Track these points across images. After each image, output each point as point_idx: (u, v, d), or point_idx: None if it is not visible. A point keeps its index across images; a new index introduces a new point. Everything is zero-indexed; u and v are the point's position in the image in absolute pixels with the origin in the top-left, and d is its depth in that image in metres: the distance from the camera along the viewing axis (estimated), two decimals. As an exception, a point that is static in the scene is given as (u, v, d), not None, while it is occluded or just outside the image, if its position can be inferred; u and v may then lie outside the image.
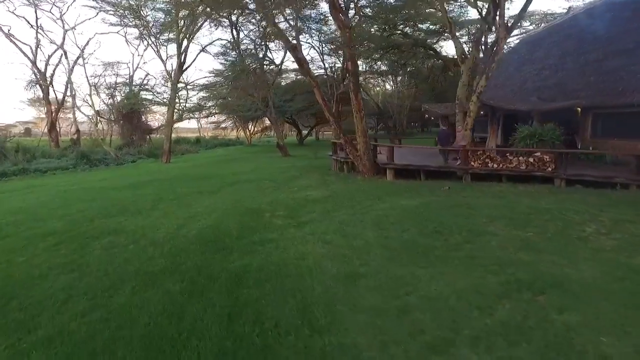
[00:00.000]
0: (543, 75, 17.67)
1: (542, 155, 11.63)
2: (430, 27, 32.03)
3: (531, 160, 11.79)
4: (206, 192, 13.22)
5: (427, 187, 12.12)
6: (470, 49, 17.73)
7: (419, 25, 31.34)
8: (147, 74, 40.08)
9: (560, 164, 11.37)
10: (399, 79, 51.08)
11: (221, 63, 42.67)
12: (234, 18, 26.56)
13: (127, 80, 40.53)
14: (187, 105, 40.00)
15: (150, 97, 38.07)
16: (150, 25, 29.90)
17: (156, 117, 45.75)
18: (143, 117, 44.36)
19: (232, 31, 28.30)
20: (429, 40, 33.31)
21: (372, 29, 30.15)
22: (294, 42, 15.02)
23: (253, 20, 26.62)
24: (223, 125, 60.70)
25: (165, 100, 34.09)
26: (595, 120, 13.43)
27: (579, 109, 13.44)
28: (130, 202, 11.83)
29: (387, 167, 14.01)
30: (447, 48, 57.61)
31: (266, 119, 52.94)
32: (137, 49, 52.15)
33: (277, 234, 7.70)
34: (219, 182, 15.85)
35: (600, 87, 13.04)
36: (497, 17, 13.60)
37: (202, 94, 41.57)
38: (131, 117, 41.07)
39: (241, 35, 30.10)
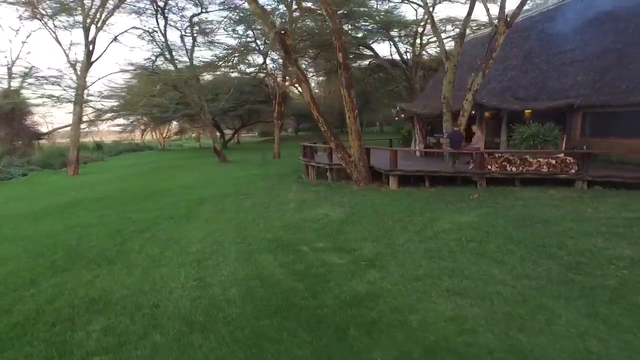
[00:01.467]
0: (509, 75, 17.67)
1: (564, 157, 10.95)
2: (370, 26, 31.46)
3: (553, 162, 11.05)
4: (178, 216, 9.99)
5: (449, 195, 10.64)
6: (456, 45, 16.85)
7: (361, 23, 30.50)
8: (32, 67, 31.93)
9: (583, 165, 10.80)
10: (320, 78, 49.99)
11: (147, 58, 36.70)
12: (161, 3, 22.44)
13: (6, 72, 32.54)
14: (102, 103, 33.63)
15: (47, 92, 30.68)
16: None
17: (49, 119, 37.60)
18: (28, 118, 36.40)
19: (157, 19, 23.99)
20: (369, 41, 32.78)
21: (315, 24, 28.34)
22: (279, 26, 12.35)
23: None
24: (130, 128, 53.24)
25: (65, 96, 27.80)
26: (585, 120, 13.45)
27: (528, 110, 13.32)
28: (73, 241, 8.17)
29: (390, 173, 12.23)
30: (382, 49, 58.52)
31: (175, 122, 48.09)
32: (17, 32, 42.37)
33: (364, 283, 5.31)
34: (179, 199, 12.49)
35: (593, 87, 13.06)
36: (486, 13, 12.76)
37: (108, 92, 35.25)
38: (11, 118, 33.26)
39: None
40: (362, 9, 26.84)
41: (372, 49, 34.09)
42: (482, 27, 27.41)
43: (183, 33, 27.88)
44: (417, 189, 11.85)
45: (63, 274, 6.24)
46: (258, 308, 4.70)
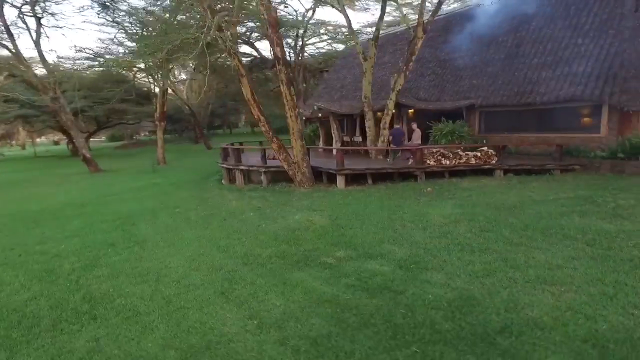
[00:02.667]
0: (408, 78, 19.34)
1: (487, 150, 12.47)
2: (253, 24, 30.49)
3: (478, 154, 12.47)
4: (119, 242, 7.74)
5: (403, 190, 11.00)
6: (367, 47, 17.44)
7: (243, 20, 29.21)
8: None
9: (500, 156, 12.48)
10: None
11: None
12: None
13: None
14: None
15: None
16: None
17: None
18: None
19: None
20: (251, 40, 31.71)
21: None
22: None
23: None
24: None
25: None
26: (482, 117, 15.63)
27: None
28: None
29: (338, 173, 11.98)
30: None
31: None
32: None
33: (444, 287, 4.90)
34: (92, 220, 9.81)
35: (488, 90, 15.24)
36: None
37: None
38: None
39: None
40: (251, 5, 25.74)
41: (254, 47, 33.20)
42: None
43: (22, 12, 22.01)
44: (366, 187, 11.88)
45: None
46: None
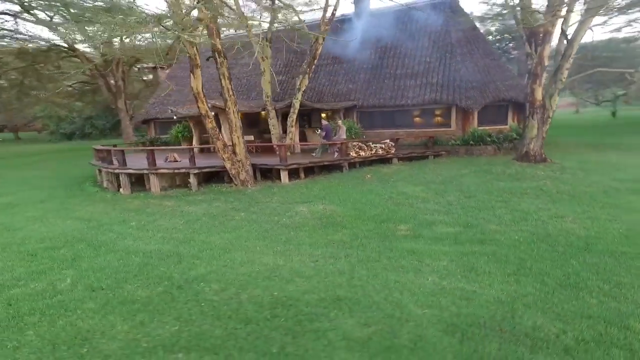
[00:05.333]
0: (283, 79, 20.61)
1: (389, 142, 15.21)
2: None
3: (383, 146, 15.07)
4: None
5: (347, 179, 12.43)
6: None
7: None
8: None
9: (397, 147, 15.45)
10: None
11: None
12: None
13: None
14: None
15: None
16: None
17: None
18: None
19: None
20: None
21: None
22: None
23: None
24: None
25: None
26: (359, 116, 18.46)
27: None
28: None
29: (282, 168, 12.35)
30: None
31: None
32: None
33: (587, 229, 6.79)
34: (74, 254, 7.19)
35: (365, 93, 18.09)
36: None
37: None
38: None
39: None
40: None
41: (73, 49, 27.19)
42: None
43: None
44: (310, 180, 12.69)
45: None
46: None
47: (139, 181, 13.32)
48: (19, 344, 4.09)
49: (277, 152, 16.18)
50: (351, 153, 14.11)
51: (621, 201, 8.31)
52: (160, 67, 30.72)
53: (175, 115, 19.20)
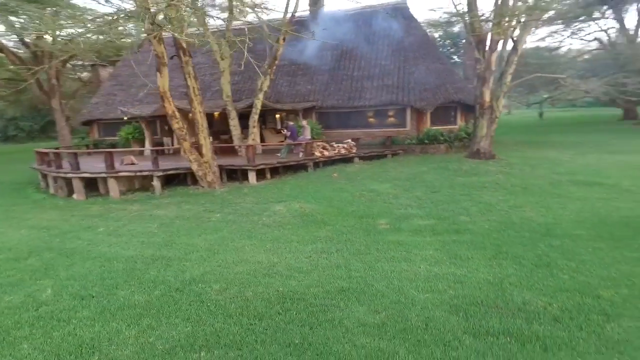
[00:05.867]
0: (237, 80, 20.37)
1: (351, 142, 15.66)
2: None
3: (346, 146, 15.49)
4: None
5: (315, 178, 12.67)
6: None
7: None
8: None
9: (358, 147, 15.96)
10: None
11: None
12: None
13: None
14: None
15: None
16: None
17: None
18: None
19: None
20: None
21: None
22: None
23: None
24: None
25: None
26: (318, 116, 18.75)
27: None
28: None
29: (250, 169, 12.29)
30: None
31: None
32: None
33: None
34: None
35: (323, 94, 18.39)
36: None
37: None
38: None
39: None
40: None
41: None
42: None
43: None
44: (278, 180, 12.74)
45: None
46: None
47: (90, 186, 12.52)
48: (15, 359, 3.80)
49: (240, 153, 16.07)
50: (315, 153, 14.35)
51: (565, 191, 9.36)
52: (102, 65, 28.86)
53: (126, 116, 18.27)
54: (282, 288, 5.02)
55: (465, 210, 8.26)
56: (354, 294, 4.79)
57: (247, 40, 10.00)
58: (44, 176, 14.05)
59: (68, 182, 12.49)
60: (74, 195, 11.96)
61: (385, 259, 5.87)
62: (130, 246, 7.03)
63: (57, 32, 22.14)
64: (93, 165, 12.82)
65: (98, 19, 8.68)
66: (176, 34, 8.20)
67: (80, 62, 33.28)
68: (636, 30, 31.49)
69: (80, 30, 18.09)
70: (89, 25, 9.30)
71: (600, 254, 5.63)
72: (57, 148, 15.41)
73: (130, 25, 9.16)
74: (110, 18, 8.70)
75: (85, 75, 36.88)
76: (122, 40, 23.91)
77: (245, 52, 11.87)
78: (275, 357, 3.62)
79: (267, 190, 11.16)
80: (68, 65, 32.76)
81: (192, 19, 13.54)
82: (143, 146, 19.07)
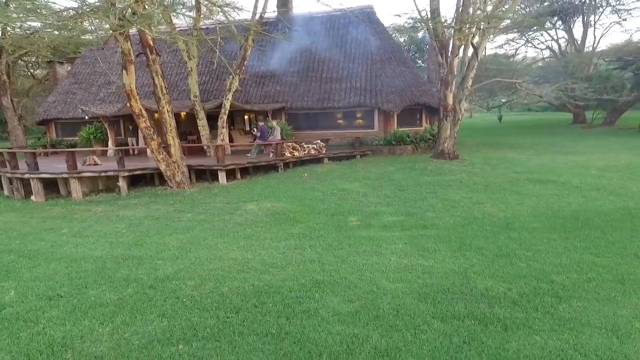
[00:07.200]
0: (204, 80, 20.13)
1: (320, 143, 15.86)
2: None
3: (316, 146, 15.68)
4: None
5: (284, 178, 12.76)
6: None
7: None
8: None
9: (327, 148, 16.19)
10: None
11: None
12: None
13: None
14: None
15: None
16: None
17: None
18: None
19: None
20: None
21: None
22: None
23: None
24: None
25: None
26: (287, 117, 18.84)
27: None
28: None
29: (220, 169, 12.21)
30: None
31: None
32: None
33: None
34: None
35: (293, 95, 18.48)
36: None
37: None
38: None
39: None
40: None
41: None
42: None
43: None
44: (248, 180, 12.72)
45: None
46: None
47: (49, 187, 12.00)
48: (-19, 361, 3.67)
49: (208, 154, 15.89)
50: (286, 153, 14.44)
51: (522, 189, 9.96)
52: (59, 62, 27.53)
53: (88, 115, 17.61)
54: (257, 282, 5.10)
55: (431, 207, 8.64)
56: (328, 285, 4.94)
57: (219, 39, 9.97)
58: (-2, 177, 13.30)
59: (25, 183, 11.92)
60: (32, 197, 11.40)
61: (356, 252, 6.07)
62: (97, 246, 6.84)
63: (10, 25, 20.91)
64: (53, 166, 12.28)
65: (64, 13, 8.34)
66: (147, 31, 8.04)
67: (34, 59, 31.61)
68: (583, 41, 33.88)
69: (36, 24, 17.27)
70: (49, 20, 8.91)
71: (554, 244, 6.10)
72: (10, 148, 14.58)
73: (96, 20, 8.89)
74: (74, 12, 8.40)
75: (39, 72, 35.07)
76: (84, 37, 22.93)
77: (218, 51, 11.85)
78: (253, 346, 3.71)
79: (238, 190, 11.14)
80: (20, 61, 31.05)
81: (159, 16, 13.25)
82: (105, 146, 18.42)
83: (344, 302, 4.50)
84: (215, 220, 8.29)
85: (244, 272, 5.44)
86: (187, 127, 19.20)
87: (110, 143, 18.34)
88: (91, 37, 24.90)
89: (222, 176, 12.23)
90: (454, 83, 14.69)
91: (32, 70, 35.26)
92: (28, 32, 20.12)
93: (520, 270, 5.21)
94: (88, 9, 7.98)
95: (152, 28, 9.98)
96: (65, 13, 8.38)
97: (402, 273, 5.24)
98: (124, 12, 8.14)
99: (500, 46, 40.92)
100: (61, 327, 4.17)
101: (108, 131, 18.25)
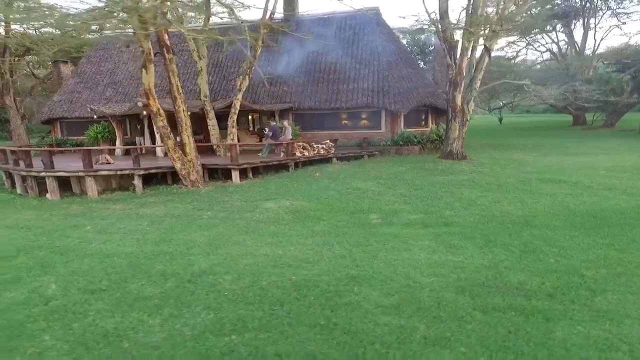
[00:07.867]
0: (211, 80, 20.19)
1: (330, 143, 15.99)
2: None
3: (325, 146, 15.80)
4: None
5: (297, 178, 12.86)
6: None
7: None
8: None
9: (336, 148, 16.31)
10: None
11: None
12: None
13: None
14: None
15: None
16: None
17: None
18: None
19: None
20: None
21: None
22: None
23: None
24: None
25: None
26: (295, 117, 18.96)
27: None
28: None
29: (234, 168, 12.30)
30: None
31: None
32: None
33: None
34: None
35: (301, 96, 18.62)
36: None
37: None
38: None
39: None
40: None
41: None
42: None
43: None
44: (261, 179, 12.81)
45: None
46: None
47: (62, 185, 12.03)
48: (39, 349, 3.76)
49: (218, 153, 15.97)
50: (296, 153, 14.54)
51: (535, 188, 10.13)
52: (63, 62, 27.48)
53: (96, 114, 17.64)
54: (294, 277, 5.20)
55: (449, 205, 8.78)
56: (364, 280, 5.06)
57: (234, 38, 10.07)
58: (9, 175, 13.33)
59: (39, 181, 11.95)
60: (47, 195, 11.44)
61: (385, 249, 6.19)
62: (125, 243, 6.92)
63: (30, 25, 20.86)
64: (68, 164, 12.32)
65: (87, 14, 8.41)
66: (182, 28, 8.12)
67: (37, 58, 31.53)
68: (583, 44, 34.26)
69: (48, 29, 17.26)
70: (70, 21, 8.95)
71: (577, 241, 6.25)
72: (21, 146, 14.57)
73: (114, 21, 8.94)
74: (97, 12, 8.49)
75: (40, 71, 35.00)
76: (90, 36, 22.93)
77: (225, 52, 11.93)
78: (305, 336, 3.82)
79: (253, 188, 11.24)
80: (23, 61, 30.96)
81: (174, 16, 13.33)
82: (113, 146, 18.42)
83: (384, 296, 4.62)
84: (237, 218, 8.38)
85: (278, 267, 5.55)
86: (193, 126, 19.22)
87: (117, 142, 18.36)
88: (97, 37, 24.97)
89: (235, 175, 12.32)
90: (462, 84, 14.86)
91: (34, 70, 35.16)
92: (38, 32, 20.15)
93: (550, 265, 5.35)
94: (114, 10, 8.06)
95: (172, 28, 10.06)
96: (89, 14, 8.44)
97: (434, 268, 5.36)
98: (156, 13, 8.23)
99: (502, 48, 41.17)
100: (111, 319, 4.26)
101: (116, 130, 18.26)
